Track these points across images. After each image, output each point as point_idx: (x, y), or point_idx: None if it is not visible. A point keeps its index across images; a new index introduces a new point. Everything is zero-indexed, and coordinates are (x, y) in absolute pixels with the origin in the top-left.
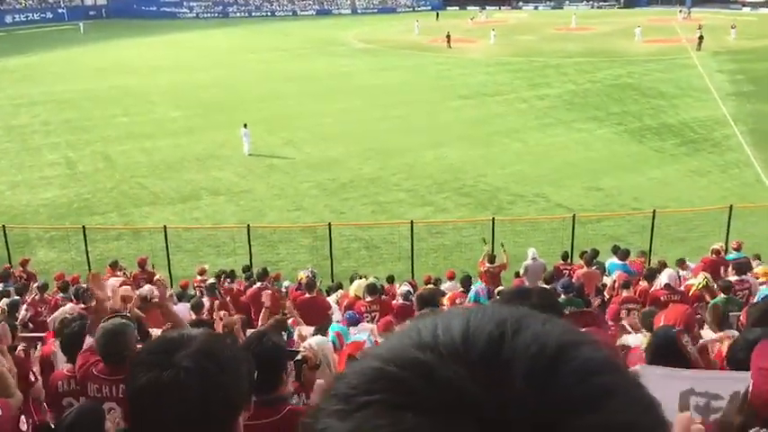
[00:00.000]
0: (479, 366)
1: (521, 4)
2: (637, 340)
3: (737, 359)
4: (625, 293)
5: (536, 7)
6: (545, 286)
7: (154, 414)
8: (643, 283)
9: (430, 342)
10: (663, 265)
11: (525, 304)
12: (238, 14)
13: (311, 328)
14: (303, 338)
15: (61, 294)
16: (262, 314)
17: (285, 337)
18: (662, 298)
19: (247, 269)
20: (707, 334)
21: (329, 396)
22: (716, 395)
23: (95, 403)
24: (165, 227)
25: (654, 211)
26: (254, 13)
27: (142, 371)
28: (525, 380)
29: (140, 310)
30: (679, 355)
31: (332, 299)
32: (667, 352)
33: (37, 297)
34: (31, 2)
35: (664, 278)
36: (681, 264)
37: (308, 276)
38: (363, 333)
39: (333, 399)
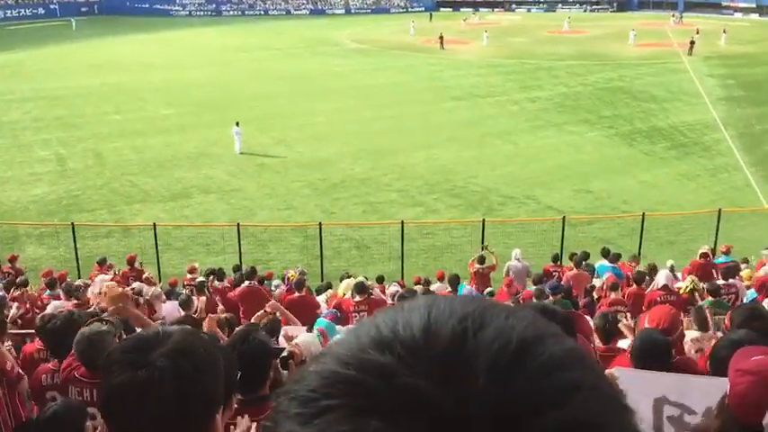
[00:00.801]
0: (440, 364)
1: (513, 6)
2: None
3: (719, 357)
4: (613, 296)
5: (529, 10)
6: (533, 294)
7: (129, 414)
8: (632, 286)
9: (389, 339)
10: (654, 269)
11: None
12: (232, 13)
13: (299, 328)
14: (290, 338)
15: (48, 292)
16: (257, 316)
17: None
18: (659, 299)
19: (237, 269)
20: (691, 335)
21: (288, 399)
22: (690, 409)
23: (80, 402)
24: (154, 224)
25: (643, 214)
26: (247, 12)
27: (116, 370)
28: (487, 376)
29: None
30: (661, 359)
31: (321, 298)
32: (650, 355)
33: (17, 293)
34: None
35: (661, 279)
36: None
37: (298, 275)
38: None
39: (292, 402)
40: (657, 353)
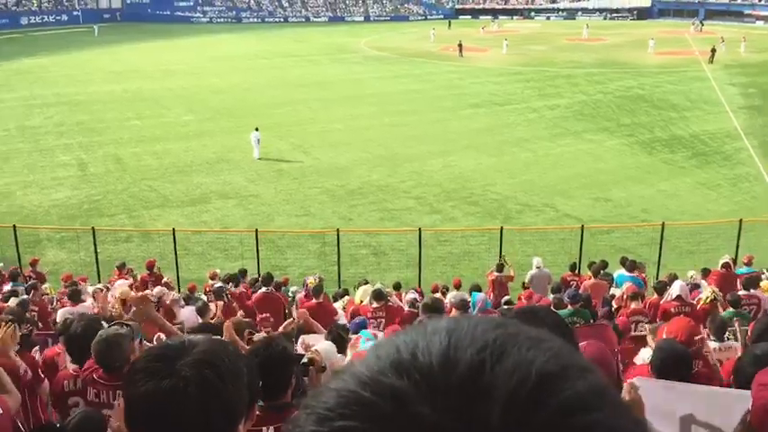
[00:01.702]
0: (454, 396)
1: (533, 14)
2: (647, 355)
3: (746, 373)
4: (634, 305)
5: (548, 17)
6: (550, 307)
7: (153, 423)
8: (653, 296)
9: (407, 363)
10: (675, 278)
11: (538, 323)
12: (251, 20)
13: (316, 336)
14: (307, 346)
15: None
16: (285, 325)
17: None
18: (672, 310)
19: (254, 281)
20: (710, 346)
21: (306, 414)
22: (719, 429)
23: (99, 411)
24: (173, 230)
25: (663, 223)
26: (267, 19)
27: (141, 378)
28: (502, 412)
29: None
30: (682, 370)
31: (338, 305)
32: (671, 366)
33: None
34: (46, 4)
35: (675, 290)
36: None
37: (315, 282)
38: (368, 339)
39: (310, 418)
40: (678, 364)
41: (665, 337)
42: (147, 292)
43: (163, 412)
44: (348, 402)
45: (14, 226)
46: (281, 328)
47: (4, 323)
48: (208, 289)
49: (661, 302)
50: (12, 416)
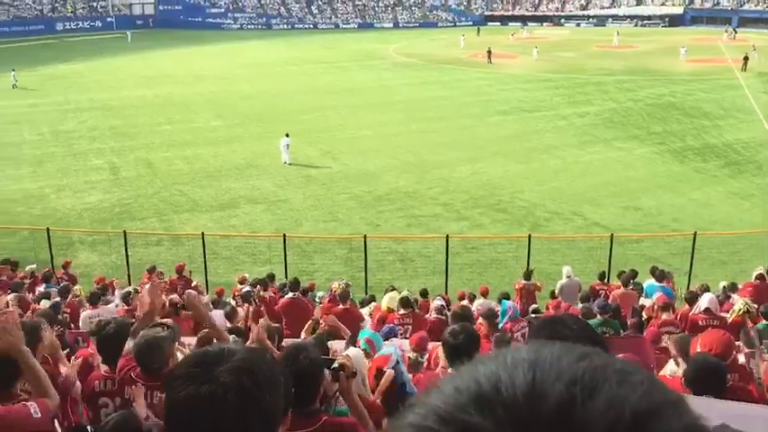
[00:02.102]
0: None
1: (563, 20)
2: (672, 369)
3: None
4: (665, 316)
5: (578, 24)
6: (578, 316)
7: (191, 428)
8: (683, 307)
9: (491, 398)
10: (706, 290)
11: (561, 334)
12: (281, 26)
13: (342, 343)
14: (335, 353)
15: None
16: (307, 326)
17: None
18: (700, 323)
19: (282, 286)
20: (741, 360)
21: None
22: None
23: (135, 415)
24: (203, 234)
25: (695, 233)
26: (296, 26)
27: (181, 384)
28: None
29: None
30: (717, 385)
31: (365, 311)
32: (705, 380)
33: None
34: (81, 10)
35: (704, 302)
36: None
37: (342, 287)
38: (391, 347)
39: None
40: (713, 378)
41: (699, 349)
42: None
43: (202, 417)
44: None
45: (48, 229)
46: (303, 333)
47: (49, 328)
48: (236, 293)
49: (690, 314)
50: (51, 418)
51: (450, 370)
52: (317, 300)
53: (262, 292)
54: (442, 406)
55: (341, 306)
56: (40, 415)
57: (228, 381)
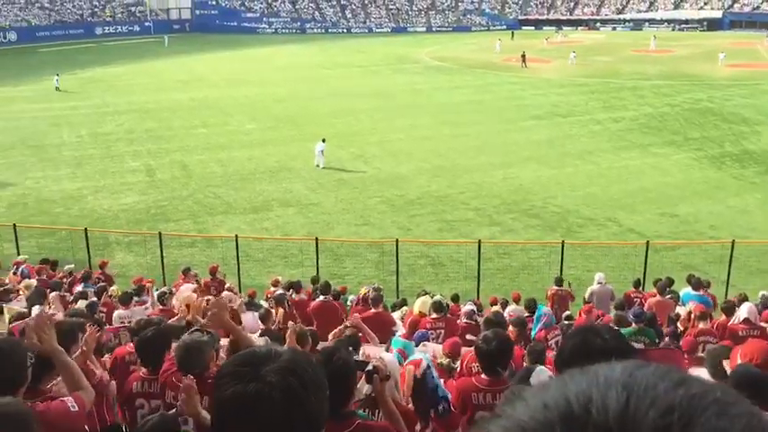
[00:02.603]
0: None
1: (598, 24)
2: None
3: None
4: (701, 325)
5: (614, 28)
6: (611, 326)
7: (238, 426)
8: (721, 317)
9: (581, 419)
10: (744, 299)
11: (593, 343)
12: (315, 30)
13: (377, 347)
14: (368, 357)
15: (135, 299)
16: (335, 332)
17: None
18: (740, 333)
19: (315, 281)
20: None
21: None
22: None
23: (174, 415)
24: (236, 236)
25: (733, 240)
26: (330, 30)
27: (228, 382)
28: None
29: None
30: (761, 397)
31: (396, 315)
32: (748, 392)
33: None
34: (120, 15)
35: (743, 312)
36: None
37: (374, 291)
38: (421, 353)
39: None
40: (755, 389)
41: (739, 360)
42: (226, 294)
43: (248, 416)
44: None
45: (86, 229)
46: (330, 336)
47: (89, 326)
48: (269, 295)
49: (729, 324)
50: (86, 413)
51: (483, 376)
52: (348, 303)
53: (294, 295)
54: (529, 421)
55: (372, 310)
56: (77, 409)
57: (275, 380)
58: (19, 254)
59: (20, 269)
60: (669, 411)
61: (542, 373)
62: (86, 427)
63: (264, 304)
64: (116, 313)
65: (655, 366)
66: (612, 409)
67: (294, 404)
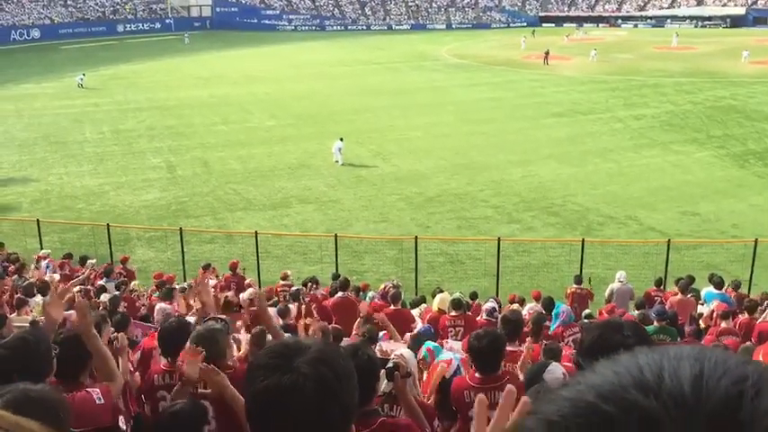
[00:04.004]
0: (710, 425)
1: (620, 21)
2: None
3: None
4: (724, 324)
5: (636, 25)
6: (635, 319)
7: (271, 418)
8: (743, 315)
9: (654, 385)
10: (766, 298)
11: (615, 339)
12: (335, 28)
13: (395, 345)
14: (385, 353)
15: (157, 294)
16: (357, 323)
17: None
18: None
19: (336, 278)
20: None
21: (537, 418)
22: None
23: (203, 405)
24: (256, 232)
25: (756, 239)
26: (350, 27)
27: (261, 374)
28: None
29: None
30: None
31: (415, 312)
32: None
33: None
34: (141, 12)
35: None
36: None
37: (393, 288)
38: (450, 353)
39: (540, 422)
40: None
41: (761, 359)
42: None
43: (282, 407)
44: (587, 413)
45: (108, 225)
46: (354, 332)
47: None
48: (278, 289)
49: (758, 322)
50: (111, 404)
51: (476, 374)
52: (367, 300)
53: (312, 290)
54: (603, 384)
55: (392, 307)
56: (103, 401)
57: (308, 371)
58: (42, 249)
59: (42, 264)
60: (742, 380)
61: (556, 369)
62: (118, 417)
63: (278, 299)
64: (158, 306)
65: (720, 348)
66: (685, 376)
67: (327, 395)
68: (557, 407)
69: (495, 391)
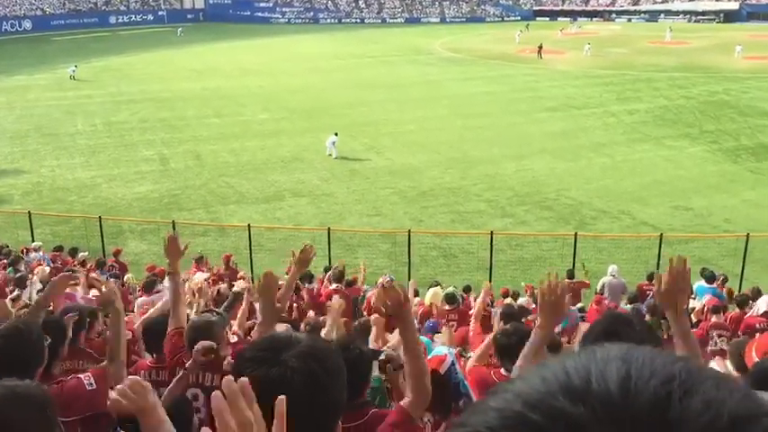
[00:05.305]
0: (637, 427)
1: (614, 16)
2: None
3: None
4: (714, 319)
5: (629, 19)
6: (627, 310)
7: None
8: (734, 310)
9: (581, 390)
10: (758, 293)
11: (626, 333)
12: (329, 21)
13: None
14: (380, 346)
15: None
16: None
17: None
18: (758, 326)
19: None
20: None
21: (461, 429)
22: None
23: (187, 398)
24: (249, 225)
25: (748, 234)
26: (343, 20)
27: (249, 366)
28: None
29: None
30: None
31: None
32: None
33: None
34: (134, 4)
35: (762, 305)
36: None
37: (388, 281)
38: (443, 347)
39: None
40: None
41: (754, 354)
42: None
43: (269, 400)
44: (514, 424)
45: (100, 217)
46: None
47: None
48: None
49: (746, 317)
50: (105, 388)
51: (502, 370)
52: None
53: (307, 285)
54: (530, 392)
55: None
56: (95, 386)
57: (296, 365)
58: (33, 241)
59: (32, 255)
60: (669, 381)
61: None
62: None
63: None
64: (139, 300)
65: (650, 348)
66: (612, 380)
67: (315, 389)
68: (484, 418)
69: None
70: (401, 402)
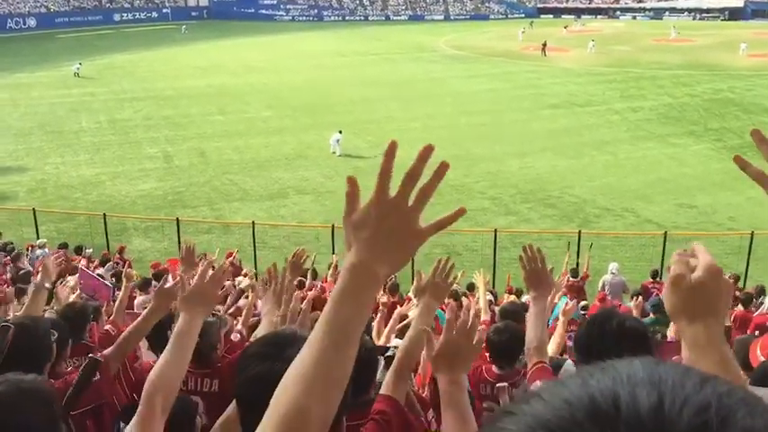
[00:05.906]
0: None
1: (618, 13)
2: None
3: None
4: None
5: (634, 17)
6: (630, 311)
7: (262, 405)
8: (738, 308)
9: (610, 416)
10: (762, 290)
11: (611, 328)
12: (333, 18)
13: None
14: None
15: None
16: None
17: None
18: (766, 324)
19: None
20: None
21: None
22: None
23: (191, 398)
24: (253, 223)
25: (752, 232)
26: (347, 18)
27: (253, 362)
28: None
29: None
30: None
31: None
32: None
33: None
34: (138, 1)
35: None
36: None
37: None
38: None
39: None
40: None
41: (758, 352)
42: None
43: (272, 394)
44: None
45: (104, 214)
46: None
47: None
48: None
49: (754, 315)
50: (109, 377)
51: (494, 368)
52: None
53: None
54: (553, 419)
55: (390, 299)
56: (98, 376)
57: None
58: (38, 238)
59: (37, 252)
60: (704, 410)
61: (570, 367)
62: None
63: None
64: (138, 299)
65: (674, 364)
66: (643, 405)
67: None
68: None
69: (512, 389)
70: (382, 391)
